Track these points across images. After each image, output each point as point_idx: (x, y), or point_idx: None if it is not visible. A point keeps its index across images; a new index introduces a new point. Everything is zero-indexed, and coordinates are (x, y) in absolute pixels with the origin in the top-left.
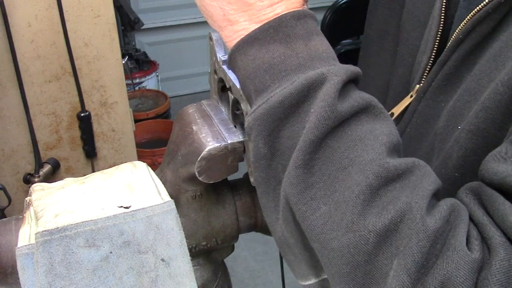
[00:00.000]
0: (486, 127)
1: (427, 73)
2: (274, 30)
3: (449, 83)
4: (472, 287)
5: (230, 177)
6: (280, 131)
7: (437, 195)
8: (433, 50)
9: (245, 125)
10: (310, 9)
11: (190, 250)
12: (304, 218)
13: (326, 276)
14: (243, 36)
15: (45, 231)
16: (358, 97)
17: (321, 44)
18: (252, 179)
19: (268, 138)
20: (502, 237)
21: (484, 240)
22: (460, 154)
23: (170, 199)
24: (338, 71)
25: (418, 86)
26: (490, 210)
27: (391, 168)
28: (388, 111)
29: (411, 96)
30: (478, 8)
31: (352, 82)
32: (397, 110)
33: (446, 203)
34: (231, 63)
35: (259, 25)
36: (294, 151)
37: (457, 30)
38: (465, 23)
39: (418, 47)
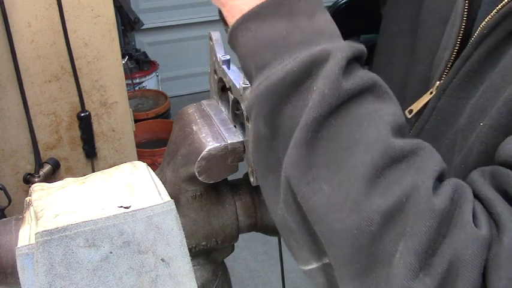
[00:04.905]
0: (508, 122)
1: (449, 69)
2: (277, 5)
3: (472, 79)
4: (482, 264)
5: (230, 177)
6: (282, 110)
7: (441, 177)
8: (456, 46)
9: (245, 104)
10: None
11: (190, 250)
12: (306, 199)
13: (328, 261)
14: (244, 12)
15: (45, 231)
16: (363, 75)
17: (325, 21)
18: (252, 179)
19: (268, 117)
20: (511, 213)
21: (492, 217)
22: (481, 149)
23: (170, 199)
24: (342, 48)
25: (438, 82)
26: (507, 187)
27: (397, 148)
28: (407, 109)
29: (431, 92)
30: (503, 3)
31: (356, 60)
32: (416, 106)
33: (449, 183)
34: (231, 40)
35: (261, 0)
36: (295, 130)
37: (481, 26)
38: (490, 19)
39: (439, 44)
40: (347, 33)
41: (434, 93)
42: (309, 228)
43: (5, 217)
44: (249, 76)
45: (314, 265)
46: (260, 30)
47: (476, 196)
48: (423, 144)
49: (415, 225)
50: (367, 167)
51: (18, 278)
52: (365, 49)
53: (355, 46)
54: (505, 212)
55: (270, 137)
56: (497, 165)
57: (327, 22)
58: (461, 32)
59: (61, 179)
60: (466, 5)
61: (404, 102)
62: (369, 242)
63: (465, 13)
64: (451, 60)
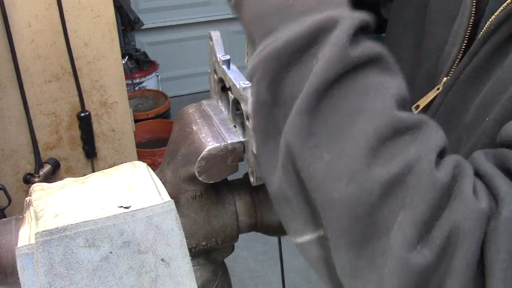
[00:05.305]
0: None
1: (456, 65)
2: None
3: (479, 75)
4: (481, 237)
5: (230, 177)
6: (285, 76)
7: (443, 153)
8: (463, 42)
9: (247, 69)
10: None
11: (190, 250)
12: (306, 167)
13: (323, 233)
14: None
15: (45, 231)
16: (370, 45)
17: None
18: (252, 179)
19: (271, 83)
20: (510, 188)
21: (491, 191)
22: (486, 143)
23: (170, 199)
24: (350, 16)
25: (445, 78)
26: (509, 165)
27: (401, 120)
28: (413, 105)
29: (438, 89)
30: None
31: (363, 30)
32: (423, 102)
33: (450, 158)
34: (236, 7)
35: None
36: (298, 96)
37: (488, 22)
38: (497, 14)
39: (446, 41)
40: None
41: (441, 89)
42: (306, 196)
43: (5, 217)
44: (252, 43)
45: (309, 237)
46: None
47: (476, 172)
48: (427, 119)
49: (415, 197)
50: (370, 137)
51: (18, 278)
52: (372, 20)
53: (363, 16)
54: (504, 186)
55: (271, 103)
56: (498, 145)
57: None
58: (469, 28)
59: (61, 179)
60: (474, 1)
61: (411, 99)
62: (367, 212)
63: (473, 9)
64: (459, 57)
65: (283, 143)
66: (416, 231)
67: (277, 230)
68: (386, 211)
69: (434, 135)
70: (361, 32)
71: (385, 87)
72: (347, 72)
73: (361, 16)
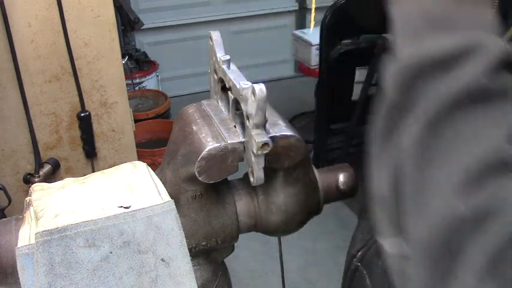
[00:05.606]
0: None
1: None
2: None
3: None
4: None
5: (230, 177)
6: (421, 85)
7: None
8: None
9: (386, 69)
10: (310, 9)
11: (190, 250)
12: (409, 174)
13: (405, 246)
14: None
15: (45, 231)
16: (507, 79)
17: (487, 13)
18: (252, 179)
19: (406, 87)
20: None
21: None
22: None
23: (170, 199)
24: (500, 45)
25: None
26: None
27: (508, 154)
28: None
29: None
30: None
31: (507, 62)
32: None
33: None
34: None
35: None
36: (427, 107)
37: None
38: None
39: None
40: (347, 33)
41: None
42: (398, 205)
43: (5, 217)
44: (395, 39)
45: (393, 247)
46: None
47: None
48: None
49: (498, 231)
50: (475, 164)
51: (18, 278)
52: None
53: (510, 48)
54: None
55: (399, 106)
56: None
57: (488, 14)
58: None
59: (61, 179)
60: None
61: None
62: (448, 234)
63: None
64: None
65: (399, 146)
66: (486, 259)
67: (277, 230)
68: (463, 237)
69: None
70: (504, 63)
71: (505, 122)
72: (481, 97)
73: (509, 48)
